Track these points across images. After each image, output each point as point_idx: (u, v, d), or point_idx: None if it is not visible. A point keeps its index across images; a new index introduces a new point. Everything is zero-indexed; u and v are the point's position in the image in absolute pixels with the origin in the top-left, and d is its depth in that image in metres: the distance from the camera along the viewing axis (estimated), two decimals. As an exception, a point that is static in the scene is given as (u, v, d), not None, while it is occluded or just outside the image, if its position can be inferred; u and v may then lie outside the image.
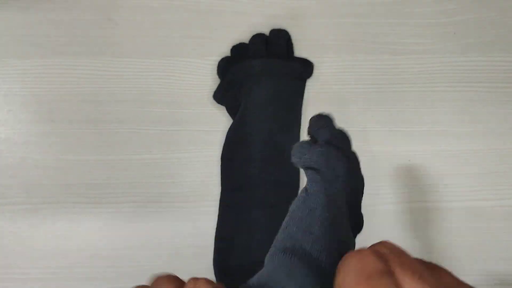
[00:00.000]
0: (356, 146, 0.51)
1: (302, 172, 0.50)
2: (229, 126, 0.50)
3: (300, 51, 0.52)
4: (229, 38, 0.51)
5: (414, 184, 0.51)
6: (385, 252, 0.18)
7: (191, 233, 0.50)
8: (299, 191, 0.51)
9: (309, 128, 0.26)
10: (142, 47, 0.51)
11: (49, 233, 0.49)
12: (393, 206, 0.50)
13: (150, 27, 0.51)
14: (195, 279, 0.20)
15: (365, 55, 0.52)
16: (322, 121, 0.26)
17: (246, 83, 0.48)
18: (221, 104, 0.50)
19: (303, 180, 0.50)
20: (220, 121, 0.51)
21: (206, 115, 0.51)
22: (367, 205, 0.50)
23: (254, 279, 0.23)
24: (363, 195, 0.32)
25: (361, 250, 0.19)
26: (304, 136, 0.50)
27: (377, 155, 0.51)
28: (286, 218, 0.25)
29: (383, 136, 0.51)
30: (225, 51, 0.51)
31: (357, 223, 0.31)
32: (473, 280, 0.50)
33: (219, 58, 0.50)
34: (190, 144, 0.50)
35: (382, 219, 0.50)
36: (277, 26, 0.51)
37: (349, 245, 0.25)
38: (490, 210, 0.50)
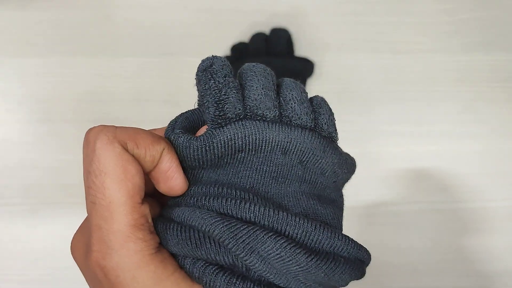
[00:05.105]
0: (358, 146, 0.51)
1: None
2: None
3: (300, 50, 0.51)
4: (229, 37, 0.51)
5: (416, 185, 0.50)
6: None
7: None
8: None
9: None
10: (141, 46, 0.51)
11: (47, 233, 0.49)
12: (395, 206, 0.50)
13: (149, 25, 0.51)
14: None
15: (366, 54, 0.51)
16: None
17: (246, 83, 0.48)
18: (221, 104, 0.50)
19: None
20: (220, 121, 0.50)
21: (206, 115, 0.51)
22: (368, 206, 0.50)
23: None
24: None
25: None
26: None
27: (379, 155, 0.50)
28: None
29: (384, 136, 0.51)
30: (225, 50, 0.51)
31: None
32: (476, 282, 0.50)
33: (219, 57, 0.50)
34: (190, 144, 0.50)
35: (384, 219, 0.50)
36: (277, 25, 0.51)
37: None
38: (493, 211, 0.50)
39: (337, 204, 0.23)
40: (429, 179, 0.50)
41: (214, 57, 0.22)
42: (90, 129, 0.20)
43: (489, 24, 0.52)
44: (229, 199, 0.20)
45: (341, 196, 0.24)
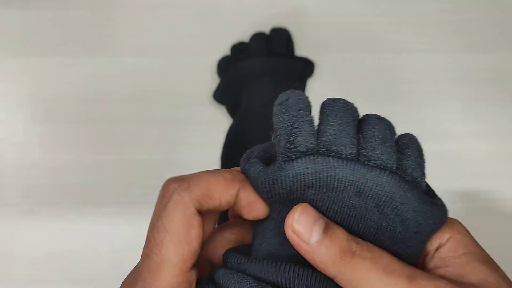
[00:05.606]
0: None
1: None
2: (229, 126, 0.49)
3: (301, 50, 0.51)
4: (229, 37, 0.51)
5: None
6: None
7: (190, 234, 0.49)
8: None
9: None
10: (141, 45, 0.51)
11: (47, 234, 0.49)
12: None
13: (149, 25, 0.51)
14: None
15: (367, 54, 0.51)
16: None
17: (246, 82, 0.48)
18: (221, 104, 0.50)
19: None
20: (219, 121, 0.50)
21: (206, 115, 0.50)
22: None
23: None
24: None
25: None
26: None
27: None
28: None
29: (384, 136, 0.51)
30: (225, 50, 0.51)
31: None
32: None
33: (219, 57, 0.50)
34: (189, 144, 0.50)
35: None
36: (277, 25, 0.51)
37: None
38: (494, 211, 0.50)
39: None
40: (429, 179, 0.50)
41: (291, 91, 0.21)
42: (168, 183, 0.20)
43: (489, 24, 0.52)
44: (270, 261, 0.19)
45: (422, 249, 0.22)
